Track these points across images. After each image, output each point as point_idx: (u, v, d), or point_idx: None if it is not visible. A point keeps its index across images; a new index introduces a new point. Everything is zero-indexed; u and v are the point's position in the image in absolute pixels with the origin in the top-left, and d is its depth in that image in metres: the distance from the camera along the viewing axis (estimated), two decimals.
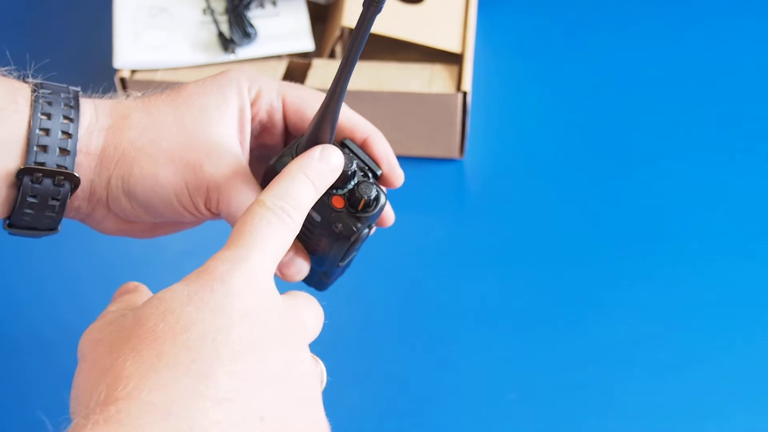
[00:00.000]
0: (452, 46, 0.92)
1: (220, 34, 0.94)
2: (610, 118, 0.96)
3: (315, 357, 0.51)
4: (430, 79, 0.90)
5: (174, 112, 0.57)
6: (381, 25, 0.92)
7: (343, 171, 0.55)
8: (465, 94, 0.88)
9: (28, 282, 0.84)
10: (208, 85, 0.58)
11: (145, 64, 0.92)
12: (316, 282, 0.62)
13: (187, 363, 0.43)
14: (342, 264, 0.59)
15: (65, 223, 0.59)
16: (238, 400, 0.44)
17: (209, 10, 0.96)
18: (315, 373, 0.49)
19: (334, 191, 0.55)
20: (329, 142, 0.55)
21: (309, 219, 0.56)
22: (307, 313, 0.51)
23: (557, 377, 0.77)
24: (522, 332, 0.80)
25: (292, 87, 0.60)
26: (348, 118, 0.59)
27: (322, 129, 0.54)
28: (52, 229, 0.58)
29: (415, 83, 0.90)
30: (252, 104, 0.59)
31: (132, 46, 0.93)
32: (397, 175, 0.60)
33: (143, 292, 0.54)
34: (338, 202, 0.55)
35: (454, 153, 0.92)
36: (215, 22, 0.95)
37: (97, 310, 0.51)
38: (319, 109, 0.53)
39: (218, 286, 0.46)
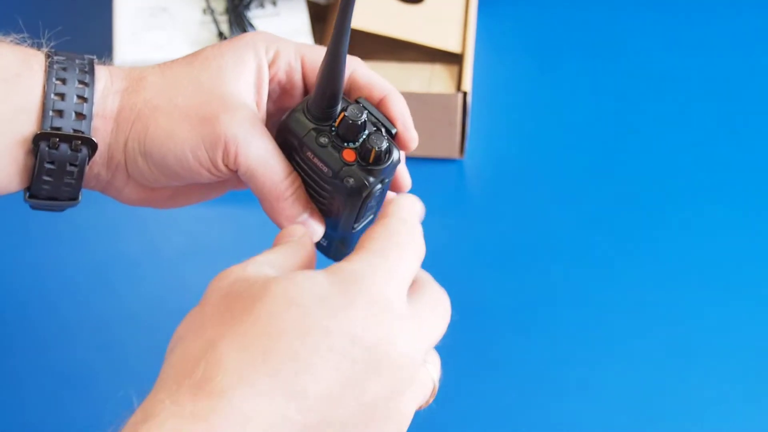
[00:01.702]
0: (452, 46, 0.92)
1: (220, 34, 0.94)
2: (611, 118, 0.96)
3: (432, 361, 0.49)
4: (430, 79, 0.90)
5: (190, 72, 0.57)
6: (381, 25, 0.92)
7: (353, 122, 0.54)
8: (465, 94, 0.88)
9: (25, 281, 0.84)
10: (225, 47, 0.58)
11: (145, 64, 0.92)
12: (334, 252, 0.61)
13: (289, 375, 0.42)
14: (357, 228, 0.58)
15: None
16: (322, 430, 0.42)
17: (209, 10, 0.96)
18: (417, 400, 0.47)
19: (345, 144, 0.55)
20: (339, 95, 0.54)
21: (320, 174, 0.56)
22: (435, 325, 0.49)
23: (557, 377, 0.77)
24: (522, 332, 0.80)
25: (311, 48, 0.60)
26: (366, 76, 0.58)
27: (330, 81, 0.53)
28: (73, 198, 0.58)
29: (415, 83, 0.90)
30: (270, 65, 0.58)
31: (132, 46, 0.93)
32: (411, 136, 0.58)
33: (304, 246, 0.51)
34: (349, 156, 0.54)
35: (454, 153, 0.92)
36: (215, 22, 0.95)
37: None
38: (323, 60, 0.53)
39: (359, 300, 0.44)
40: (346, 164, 0.54)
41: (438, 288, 0.51)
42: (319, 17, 1.00)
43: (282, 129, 0.56)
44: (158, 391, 0.42)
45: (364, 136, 0.55)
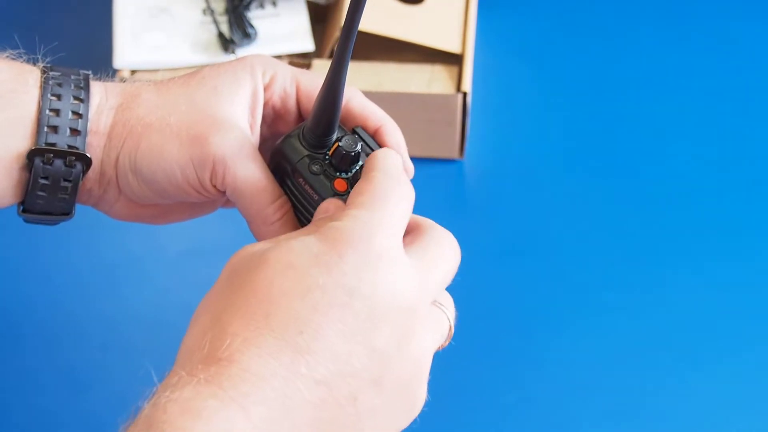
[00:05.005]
0: (452, 47, 0.92)
1: (220, 35, 0.94)
2: (610, 119, 0.96)
3: (444, 303, 0.50)
4: (430, 80, 0.90)
5: (185, 91, 0.57)
6: (381, 25, 0.92)
7: (347, 153, 0.54)
8: (465, 94, 0.88)
9: (33, 281, 0.84)
10: (222, 68, 0.58)
11: (145, 65, 0.92)
12: None
13: (293, 335, 0.43)
14: None
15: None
16: (336, 383, 0.44)
17: (209, 10, 0.96)
18: (434, 340, 0.48)
19: (338, 174, 0.55)
20: (335, 125, 0.54)
21: (311, 201, 0.55)
22: (441, 267, 0.50)
23: (557, 377, 0.77)
24: (521, 332, 0.80)
25: (307, 74, 0.60)
26: (362, 105, 0.59)
27: (326, 111, 0.53)
28: (66, 213, 0.58)
29: (415, 84, 0.90)
30: (265, 89, 0.58)
31: (132, 47, 0.93)
32: (407, 167, 0.59)
33: (335, 216, 0.50)
34: (341, 186, 0.54)
35: (454, 153, 0.92)
36: (215, 22, 0.95)
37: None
38: (321, 89, 0.53)
39: (350, 254, 0.46)
40: (337, 193, 0.54)
41: (441, 230, 0.52)
42: (319, 18, 1.00)
43: (276, 153, 0.56)
44: (175, 367, 0.44)
45: (357, 167, 0.55)
